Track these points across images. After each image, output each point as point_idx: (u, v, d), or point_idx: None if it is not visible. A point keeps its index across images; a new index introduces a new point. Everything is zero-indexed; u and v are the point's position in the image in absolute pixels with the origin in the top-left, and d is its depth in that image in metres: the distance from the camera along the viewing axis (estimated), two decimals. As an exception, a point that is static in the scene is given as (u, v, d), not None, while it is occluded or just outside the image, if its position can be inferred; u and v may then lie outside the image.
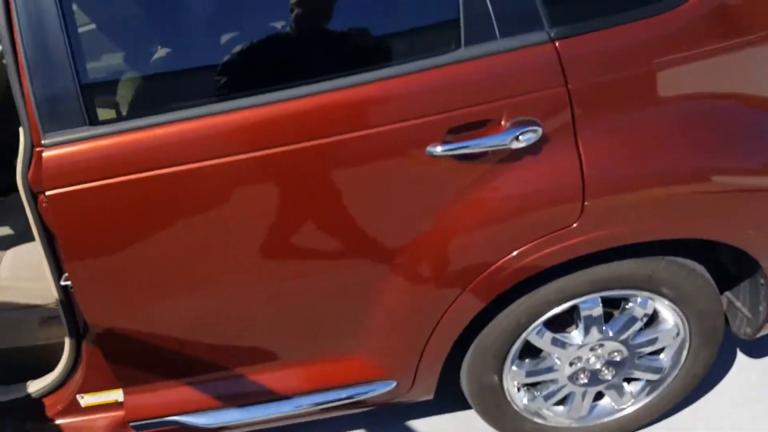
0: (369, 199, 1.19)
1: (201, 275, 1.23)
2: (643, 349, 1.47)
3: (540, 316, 1.36)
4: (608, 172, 1.18)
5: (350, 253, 1.24)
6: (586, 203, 1.18)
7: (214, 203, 1.16)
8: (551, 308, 1.35)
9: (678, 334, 1.45)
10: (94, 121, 1.11)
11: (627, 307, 1.41)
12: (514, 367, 1.45)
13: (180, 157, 1.10)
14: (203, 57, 1.20)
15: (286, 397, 1.42)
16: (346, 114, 1.12)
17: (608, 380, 1.49)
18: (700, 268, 1.35)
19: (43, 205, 1.14)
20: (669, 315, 1.42)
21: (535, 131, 1.12)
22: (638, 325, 1.42)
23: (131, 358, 1.35)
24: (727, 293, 1.52)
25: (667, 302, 1.39)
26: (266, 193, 1.16)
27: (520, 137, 1.11)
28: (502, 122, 1.13)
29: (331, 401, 1.43)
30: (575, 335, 1.44)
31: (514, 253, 1.21)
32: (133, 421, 1.41)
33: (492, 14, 1.10)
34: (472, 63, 1.10)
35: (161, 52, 1.19)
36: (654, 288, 1.35)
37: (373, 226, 1.22)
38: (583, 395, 1.52)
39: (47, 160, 1.10)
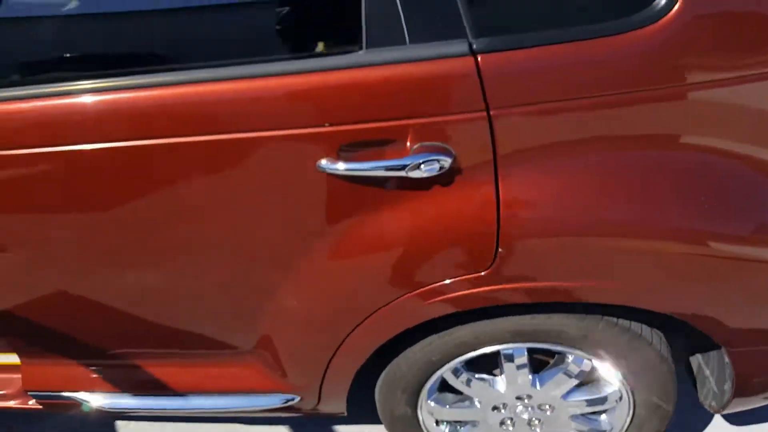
0: (257, 206, 1.05)
1: (87, 255, 1.14)
2: (578, 409, 1.29)
3: (456, 357, 1.20)
4: (532, 218, 0.99)
5: (240, 255, 1.12)
6: (500, 250, 0.99)
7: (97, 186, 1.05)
8: (468, 351, 1.19)
9: (621, 399, 1.25)
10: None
11: (561, 360, 1.23)
12: (431, 402, 1.31)
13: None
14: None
15: (179, 394, 1.34)
16: (226, 111, 0.96)
17: (538, 433, 1.33)
18: (650, 335, 1.14)
19: None
20: (611, 377, 1.22)
21: (442, 161, 0.93)
22: (572, 382, 1.23)
23: (25, 331, 1.30)
24: (699, 356, 1.31)
25: (608, 365, 1.19)
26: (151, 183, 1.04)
27: (423, 166, 0.93)
28: (407, 145, 0.95)
29: (230, 406, 1.35)
30: (499, 381, 1.27)
31: (409, 295, 1.04)
32: (29, 390, 1.39)
33: (401, 13, 0.90)
34: (373, 70, 0.91)
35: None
36: (590, 350, 1.16)
37: (263, 235, 1.08)
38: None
39: None
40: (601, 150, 0.94)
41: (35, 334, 1.29)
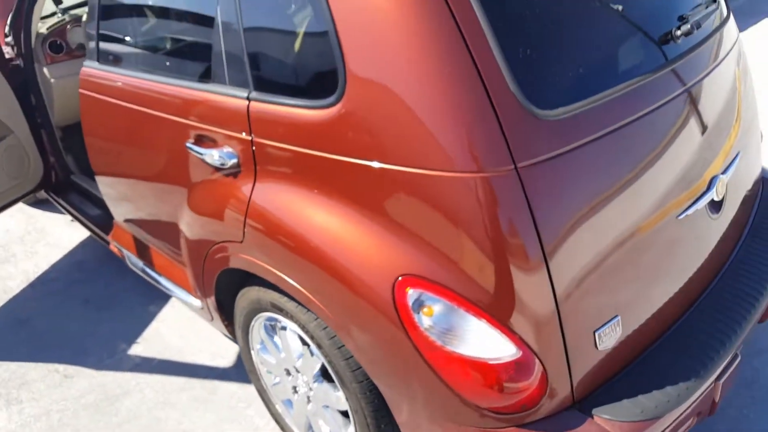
0: (172, 160, 1.75)
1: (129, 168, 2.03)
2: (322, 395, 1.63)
3: (257, 312, 1.70)
4: (265, 211, 1.44)
5: (164, 180, 1.84)
6: (245, 230, 1.49)
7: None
8: (260, 311, 1.67)
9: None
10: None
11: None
12: (256, 345, 1.82)
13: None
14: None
15: (161, 275, 2.14)
16: (166, 100, 1.70)
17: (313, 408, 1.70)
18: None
19: None
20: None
21: (225, 159, 1.49)
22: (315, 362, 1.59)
23: (114, 205, 2.28)
24: None
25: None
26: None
27: (217, 157, 1.51)
28: (218, 144, 1.54)
29: (179, 296, 2.07)
30: (273, 347, 1.71)
31: (212, 246, 1.62)
32: (113, 240, 2.38)
33: (225, 65, 1.49)
34: (212, 95, 1.53)
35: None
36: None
37: (174, 179, 1.78)
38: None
39: (82, 72, 2.04)
40: (300, 183, 1.36)
41: (118, 209, 2.26)
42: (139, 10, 1.85)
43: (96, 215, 2.70)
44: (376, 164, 1.20)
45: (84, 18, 2.90)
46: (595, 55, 1.22)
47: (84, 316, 2.61)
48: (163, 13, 1.73)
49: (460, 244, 1.13)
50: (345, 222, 1.28)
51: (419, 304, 1.17)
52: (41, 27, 2.90)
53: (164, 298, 2.67)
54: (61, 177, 2.97)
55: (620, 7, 1.29)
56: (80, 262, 3.01)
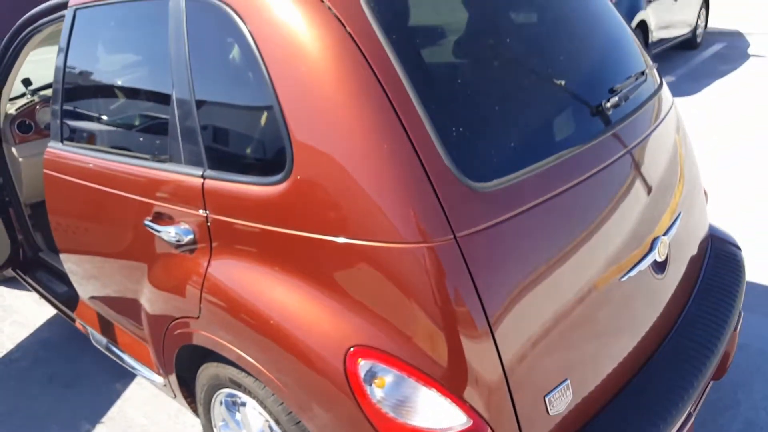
0: (129, 237, 1.77)
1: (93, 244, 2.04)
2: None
3: (217, 389, 1.68)
4: (219, 286, 1.46)
5: (125, 257, 1.85)
6: (201, 305, 1.50)
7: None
8: (219, 387, 1.66)
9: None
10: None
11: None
12: (219, 422, 1.79)
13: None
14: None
15: (123, 352, 2.12)
16: (125, 180, 1.74)
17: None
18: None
19: None
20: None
21: (181, 235, 1.52)
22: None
23: (76, 281, 2.27)
24: None
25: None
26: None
27: (173, 234, 1.53)
28: (175, 221, 1.56)
29: (143, 373, 2.05)
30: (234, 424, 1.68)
31: (170, 322, 1.62)
32: (77, 317, 2.36)
33: (181, 146, 1.54)
34: (169, 173, 1.57)
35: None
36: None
37: (132, 255, 1.80)
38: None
39: (47, 152, 2.08)
40: (254, 257, 1.38)
41: (80, 285, 2.25)
42: (100, 93, 1.91)
43: (62, 292, 2.68)
44: (325, 237, 1.23)
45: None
46: (527, 127, 1.29)
47: (48, 394, 2.54)
48: (122, 95, 1.80)
49: (408, 313, 1.15)
50: (297, 295, 1.30)
51: (371, 376, 1.18)
52: (10, 108, 2.96)
53: (130, 375, 2.62)
54: (29, 254, 2.96)
55: (552, 81, 1.37)
56: (46, 339, 2.96)
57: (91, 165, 1.87)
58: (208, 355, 1.70)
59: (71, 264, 2.22)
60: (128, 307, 1.97)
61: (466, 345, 1.13)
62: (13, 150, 2.88)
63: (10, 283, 3.49)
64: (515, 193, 1.20)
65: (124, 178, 1.73)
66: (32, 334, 3.01)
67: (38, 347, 2.90)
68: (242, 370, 1.51)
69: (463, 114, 1.21)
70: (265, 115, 1.32)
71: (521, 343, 1.18)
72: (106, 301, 2.12)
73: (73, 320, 2.49)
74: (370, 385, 1.18)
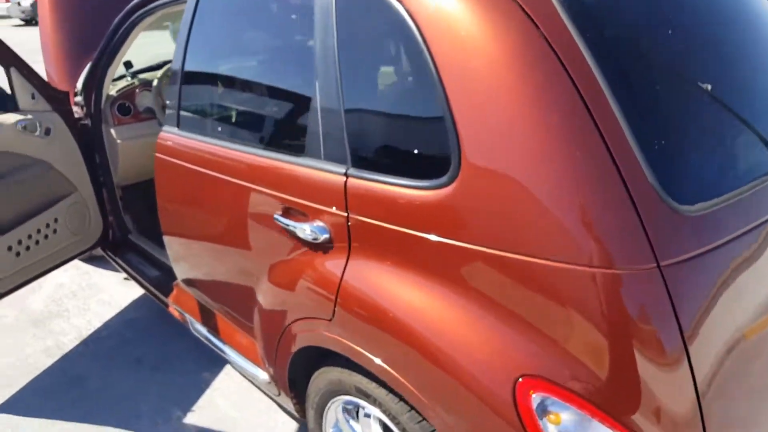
0: (253, 229, 1.71)
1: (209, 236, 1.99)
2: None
3: (335, 395, 1.61)
4: (360, 291, 1.37)
5: (242, 254, 1.79)
6: (336, 309, 1.42)
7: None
8: (339, 393, 1.58)
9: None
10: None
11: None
12: (330, 429, 1.72)
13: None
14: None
15: (225, 343, 2.07)
16: (256, 172, 1.67)
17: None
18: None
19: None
20: None
21: (317, 233, 1.44)
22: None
23: (178, 267, 2.24)
24: None
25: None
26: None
27: (309, 231, 1.46)
28: (309, 217, 1.49)
29: (243, 367, 2.00)
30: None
31: (293, 320, 1.55)
32: (174, 302, 2.33)
33: (321, 141, 1.46)
34: (304, 168, 1.49)
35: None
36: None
37: (252, 245, 1.73)
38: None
39: (160, 137, 2.04)
40: (402, 265, 1.29)
41: (188, 274, 2.22)
42: (226, 80, 1.85)
43: (154, 276, 2.67)
44: (493, 251, 1.13)
45: (154, 83, 2.96)
46: (733, 148, 1.16)
47: (136, 376, 2.54)
48: (253, 83, 1.73)
49: (592, 344, 1.04)
50: (454, 310, 1.20)
51: (543, 410, 1.07)
52: (111, 89, 2.96)
53: (218, 364, 2.59)
54: (119, 236, 2.97)
55: (762, 98, 1.23)
56: (132, 320, 2.97)
57: (211, 153, 1.82)
58: (327, 358, 1.62)
59: (177, 249, 2.19)
60: (238, 299, 1.92)
61: (659, 384, 1.02)
62: (112, 131, 2.88)
63: (95, 261, 3.53)
64: (719, 221, 1.08)
65: (249, 169, 1.66)
66: (119, 314, 3.03)
67: (124, 327, 2.91)
68: (374, 380, 1.43)
69: (668, 127, 1.09)
70: (429, 113, 1.23)
71: (720, 396, 1.06)
72: (211, 290, 2.08)
73: (166, 305, 2.47)
74: (543, 419, 1.07)
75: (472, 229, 1.15)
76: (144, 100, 3.04)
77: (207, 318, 2.18)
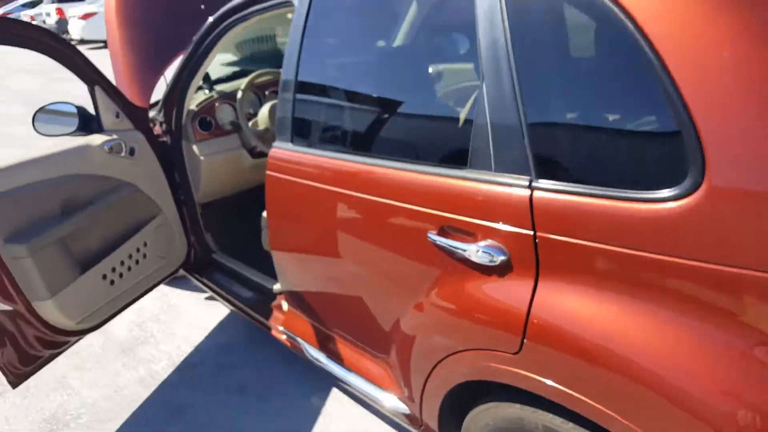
0: (395, 250, 1.55)
1: (329, 251, 1.84)
2: None
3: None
4: (562, 322, 1.20)
5: (383, 280, 1.63)
6: (525, 341, 1.25)
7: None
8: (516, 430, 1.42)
9: None
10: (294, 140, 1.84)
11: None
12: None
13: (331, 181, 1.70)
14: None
15: (344, 367, 1.92)
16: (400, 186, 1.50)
17: None
18: None
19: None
20: None
21: (493, 254, 1.27)
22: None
23: (292, 291, 2.09)
24: None
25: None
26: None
27: (481, 253, 1.29)
28: (477, 237, 1.32)
29: (366, 391, 1.84)
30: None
31: (454, 352, 1.38)
32: (284, 328, 2.19)
33: (491, 150, 1.29)
34: (469, 182, 1.33)
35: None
36: None
37: (394, 271, 1.57)
38: None
39: (272, 153, 1.89)
40: (622, 291, 1.11)
41: (296, 296, 2.07)
42: (356, 87, 1.69)
43: (248, 297, 2.54)
44: (752, 272, 0.95)
45: (239, 95, 2.81)
46: None
47: (241, 406, 2.40)
48: (392, 89, 1.57)
49: None
50: (694, 343, 1.02)
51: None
52: (190, 104, 2.84)
53: (323, 388, 2.45)
54: (200, 255, 2.85)
55: None
56: (225, 345, 2.84)
57: (336, 169, 1.66)
58: (485, 392, 1.46)
59: (291, 272, 2.04)
60: (372, 326, 1.76)
61: None
62: (194, 148, 2.76)
63: (171, 282, 3.42)
64: None
65: (390, 184, 1.50)
66: (207, 338, 2.91)
67: (218, 352, 2.79)
68: (567, 417, 1.26)
69: None
70: (652, 116, 1.05)
71: None
72: (332, 315, 1.93)
73: (268, 328, 2.34)
74: None
75: (722, 245, 0.97)
76: (224, 113, 2.90)
77: (325, 343, 2.03)
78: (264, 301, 2.46)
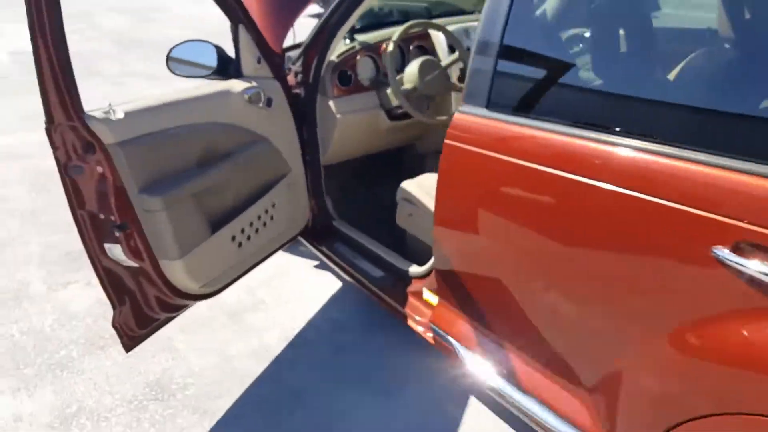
0: (648, 264, 1.19)
1: (518, 246, 1.51)
2: None
3: None
4: None
5: (623, 301, 1.28)
6: None
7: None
8: None
9: None
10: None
11: None
12: None
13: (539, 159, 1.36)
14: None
15: (521, 391, 1.60)
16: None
17: None
18: None
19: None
20: None
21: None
22: None
23: (453, 282, 1.78)
24: None
25: None
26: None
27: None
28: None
29: (553, 425, 1.52)
30: None
31: (738, 414, 1.03)
32: (432, 323, 1.89)
33: None
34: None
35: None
36: None
37: (642, 290, 1.22)
38: None
39: (456, 119, 1.56)
40: None
41: (458, 290, 1.76)
42: (600, 34, 1.32)
43: (380, 278, 2.25)
44: None
45: (389, 47, 2.43)
46: None
47: (367, 399, 2.14)
48: (659, 38, 1.19)
49: None
50: None
51: None
52: (330, 54, 2.52)
53: (456, 390, 2.15)
54: (319, 221, 2.57)
55: None
56: (340, 322, 2.58)
57: (559, 146, 1.32)
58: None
59: (461, 261, 1.72)
60: (577, 350, 1.43)
61: None
62: (331, 104, 2.45)
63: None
64: None
65: (653, 176, 1.15)
66: (322, 311, 2.66)
67: (332, 329, 2.53)
68: None
69: None
70: None
71: None
72: (517, 326, 1.58)
73: (405, 317, 2.05)
74: None
75: None
76: (365, 67, 2.58)
77: (494, 356, 1.71)
78: (399, 285, 2.17)
